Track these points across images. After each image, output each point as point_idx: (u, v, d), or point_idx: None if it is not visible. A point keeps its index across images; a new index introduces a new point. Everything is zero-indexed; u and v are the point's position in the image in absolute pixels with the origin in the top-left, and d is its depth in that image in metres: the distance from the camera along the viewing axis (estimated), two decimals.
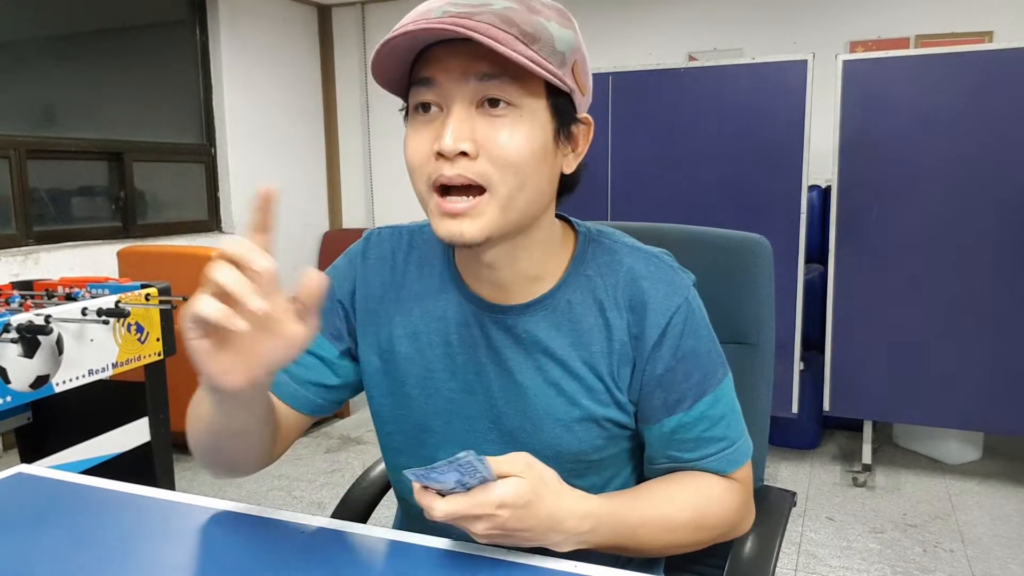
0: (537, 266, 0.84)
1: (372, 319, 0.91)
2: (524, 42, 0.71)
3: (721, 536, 0.89)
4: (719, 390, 0.87)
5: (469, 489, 0.71)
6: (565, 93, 0.77)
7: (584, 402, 0.85)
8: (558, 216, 0.89)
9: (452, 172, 0.73)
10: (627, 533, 0.81)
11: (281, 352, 0.67)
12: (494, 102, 0.74)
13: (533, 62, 0.71)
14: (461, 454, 0.68)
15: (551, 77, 0.73)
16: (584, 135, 0.82)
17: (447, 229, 0.76)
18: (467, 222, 0.75)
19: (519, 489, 0.71)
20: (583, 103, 0.81)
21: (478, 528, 0.71)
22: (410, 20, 0.72)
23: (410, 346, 0.89)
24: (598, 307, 0.85)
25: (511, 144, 0.74)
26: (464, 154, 0.73)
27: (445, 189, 0.75)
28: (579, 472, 0.87)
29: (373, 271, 0.92)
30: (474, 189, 0.75)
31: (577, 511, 0.76)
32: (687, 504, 0.85)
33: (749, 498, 0.91)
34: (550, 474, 0.76)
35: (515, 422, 0.86)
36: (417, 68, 0.76)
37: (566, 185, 0.84)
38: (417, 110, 0.77)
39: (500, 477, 0.72)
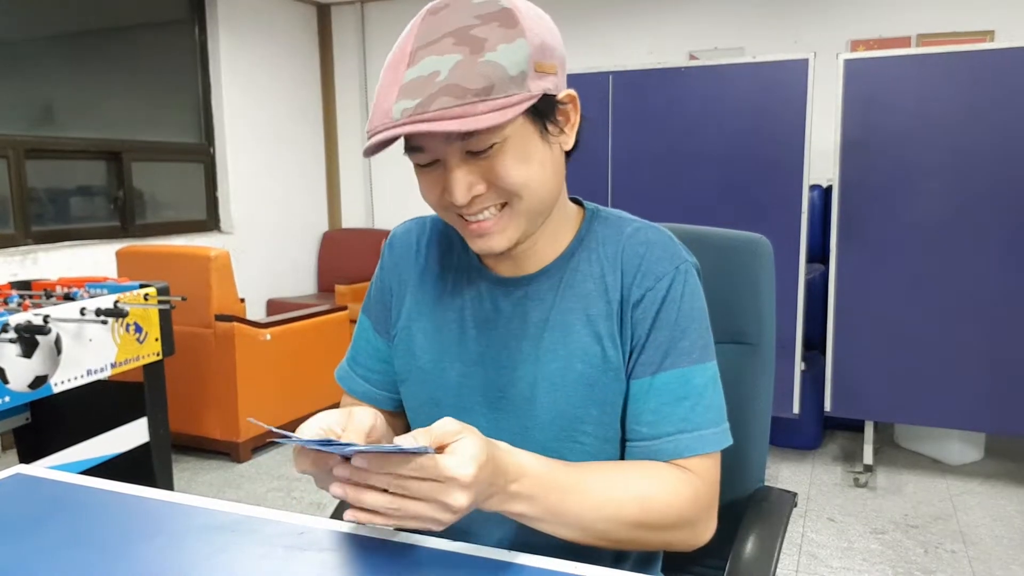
0: (551, 242, 0.91)
1: (400, 302, 0.99)
2: (481, 99, 0.73)
3: (668, 530, 0.83)
4: (691, 370, 0.86)
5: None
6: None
7: (578, 366, 0.87)
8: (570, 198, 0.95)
9: (472, 210, 0.81)
10: (555, 497, 0.77)
11: None
12: (481, 149, 0.78)
13: (498, 110, 0.73)
14: (403, 444, 0.66)
15: (519, 109, 0.75)
16: (573, 108, 0.85)
17: (479, 246, 0.85)
18: (495, 236, 0.83)
19: (477, 441, 0.70)
20: (560, 82, 0.82)
21: (446, 512, 0.68)
22: (378, 122, 0.76)
23: (428, 323, 0.95)
24: (600, 271, 0.90)
25: (511, 173, 0.79)
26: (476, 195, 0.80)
27: None
28: (575, 438, 0.87)
29: (400, 257, 1.00)
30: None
31: (512, 455, 0.76)
32: (630, 483, 0.82)
33: (708, 497, 0.86)
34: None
35: (518, 390, 0.89)
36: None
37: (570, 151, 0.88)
38: (417, 161, 0.82)
39: (439, 448, 0.69)
